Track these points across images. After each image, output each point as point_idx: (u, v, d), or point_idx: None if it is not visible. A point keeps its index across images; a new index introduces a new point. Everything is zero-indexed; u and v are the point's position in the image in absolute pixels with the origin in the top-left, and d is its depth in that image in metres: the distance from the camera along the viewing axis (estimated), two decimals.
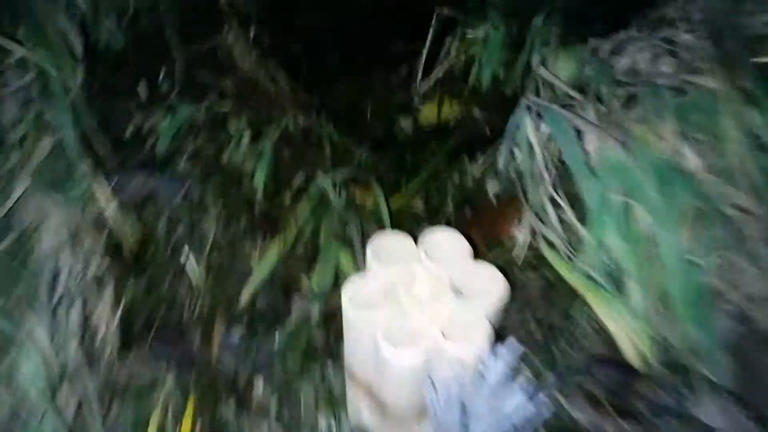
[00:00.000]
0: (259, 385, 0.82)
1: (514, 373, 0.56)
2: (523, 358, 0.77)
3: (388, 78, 1.28)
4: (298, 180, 1.02)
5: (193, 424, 0.78)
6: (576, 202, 0.83)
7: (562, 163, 0.85)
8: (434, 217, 1.00)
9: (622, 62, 0.90)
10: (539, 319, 0.84)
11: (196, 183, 0.95)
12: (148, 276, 0.88)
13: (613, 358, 0.81)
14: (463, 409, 0.57)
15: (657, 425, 0.75)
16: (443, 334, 0.56)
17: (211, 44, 1.17)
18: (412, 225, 0.95)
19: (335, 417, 0.79)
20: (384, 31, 1.28)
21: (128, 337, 0.82)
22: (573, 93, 0.88)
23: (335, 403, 0.80)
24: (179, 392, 0.80)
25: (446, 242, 0.62)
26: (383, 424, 0.70)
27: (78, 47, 0.97)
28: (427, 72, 1.24)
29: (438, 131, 1.20)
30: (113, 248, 0.88)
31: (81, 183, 0.86)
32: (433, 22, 1.20)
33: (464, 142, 1.14)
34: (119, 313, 0.83)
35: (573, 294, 0.84)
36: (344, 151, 1.12)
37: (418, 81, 1.24)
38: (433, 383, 0.57)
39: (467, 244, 0.62)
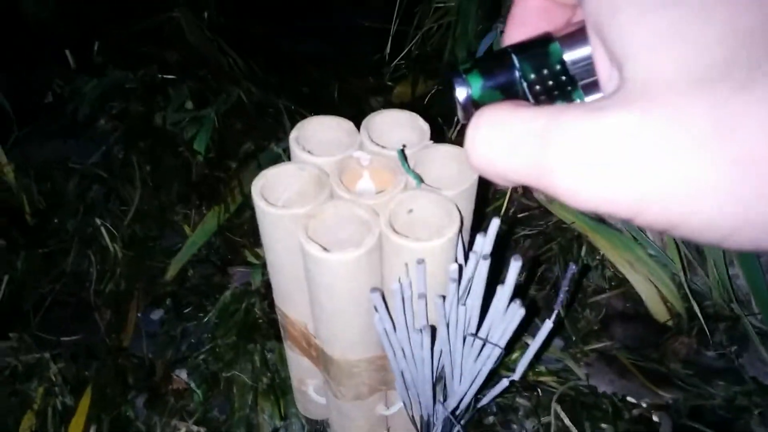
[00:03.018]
0: (182, 376, 0.63)
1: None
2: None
3: (357, 59, 1.17)
4: (247, 148, 0.88)
5: (87, 423, 0.58)
6: None
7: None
8: None
9: None
10: (537, 274, 0.67)
11: (118, 144, 0.80)
12: (49, 247, 0.71)
13: (636, 314, 0.63)
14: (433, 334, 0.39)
15: (704, 390, 0.55)
16: (394, 230, 0.40)
17: (158, 21, 1.07)
18: None
19: (279, 408, 0.59)
20: (350, 10, 1.19)
21: (8, 319, 0.64)
22: None
23: (279, 390, 0.60)
24: (70, 386, 0.61)
25: (398, 124, 0.47)
26: (335, 403, 0.51)
27: None
28: (399, 49, 1.13)
29: (412, 109, 1.08)
30: (9, 215, 0.71)
31: None
32: None
33: (441, 116, 1.01)
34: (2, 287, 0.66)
35: (579, 243, 0.68)
36: None
37: (387, 58, 1.14)
38: (382, 296, 0.39)
39: (425, 123, 0.46)
